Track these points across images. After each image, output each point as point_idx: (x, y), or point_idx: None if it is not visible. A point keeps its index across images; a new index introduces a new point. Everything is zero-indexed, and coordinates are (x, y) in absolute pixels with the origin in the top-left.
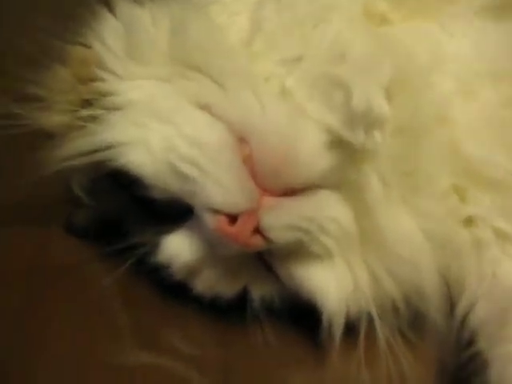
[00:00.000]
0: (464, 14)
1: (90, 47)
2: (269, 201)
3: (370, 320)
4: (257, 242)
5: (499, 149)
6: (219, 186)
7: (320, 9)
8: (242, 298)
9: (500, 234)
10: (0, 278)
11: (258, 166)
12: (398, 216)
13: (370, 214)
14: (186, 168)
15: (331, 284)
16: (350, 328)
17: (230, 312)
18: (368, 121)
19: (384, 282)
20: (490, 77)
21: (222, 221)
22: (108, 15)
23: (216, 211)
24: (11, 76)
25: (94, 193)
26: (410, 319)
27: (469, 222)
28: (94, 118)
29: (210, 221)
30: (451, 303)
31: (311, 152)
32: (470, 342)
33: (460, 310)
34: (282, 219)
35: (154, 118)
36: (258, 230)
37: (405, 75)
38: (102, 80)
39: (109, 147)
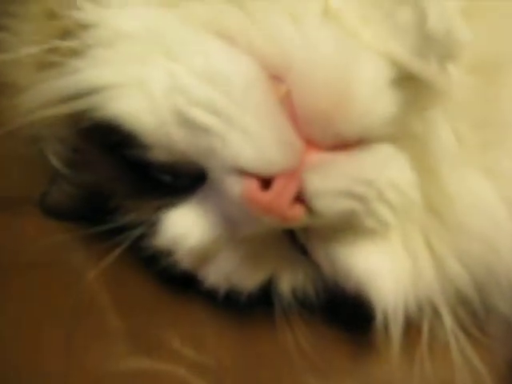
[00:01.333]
0: None
1: None
2: (314, 158)
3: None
4: (298, 213)
5: None
6: (248, 137)
7: None
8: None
9: None
10: None
11: (299, 111)
12: (473, 179)
13: (438, 176)
14: (200, 115)
15: (386, 269)
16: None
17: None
18: (444, 48)
19: (451, 265)
20: None
21: (253, 185)
22: None
23: (243, 172)
24: None
25: (74, 161)
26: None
27: None
28: (74, 52)
29: (235, 186)
30: None
31: (371, 91)
32: None
33: None
34: (331, 182)
35: (156, 51)
36: (298, 198)
37: None
38: (82, 9)
39: (94, 91)
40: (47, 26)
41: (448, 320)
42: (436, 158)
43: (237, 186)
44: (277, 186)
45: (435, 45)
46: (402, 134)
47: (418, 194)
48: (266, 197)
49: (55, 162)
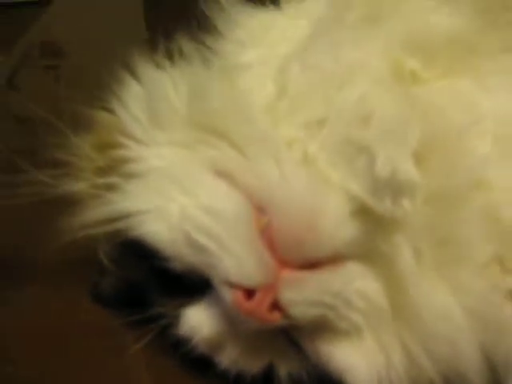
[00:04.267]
0: (504, 69)
1: (113, 113)
2: (288, 274)
3: None
4: (275, 318)
5: None
6: (234, 258)
7: (345, 70)
8: (269, 375)
9: None
10: (26, 336)
11: (276, 237)
12: (434, 290)
13: (402, 287)
14: (201, 238)
15: (361, 363)
16: None
17: None
18: (394, 188)
19: (420, 360)
20: None
21: (239, 295)
22: (131, 80)
23: (232, 285)
24: (40, 142)
25: (118, 261)
26: None
27: None
28: (110, 187)
29: (227, 295)
30: None
31: (335, 222)
32: None
33: None
34: (303, 294)
35: (173, 187)
36: (277, 305)
37: (436, 138)
38: (124, 146)
39: (127, 216)
40: (93, 162)
41: None
42: (401, 273)
43: (228, 295)
44: (257, 296)
45: (385, 185)
46: (369, 252)
47: (386, 302)
48: (248, 305)
49: (104, 260)
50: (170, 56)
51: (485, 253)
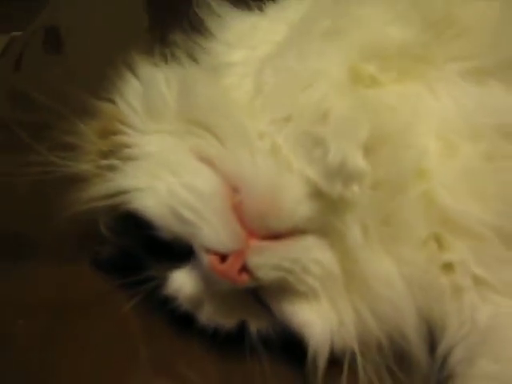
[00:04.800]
0: (448, 77)
1: (115, 104)
2: (255, 243)
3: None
4: (244, 279)
5: (474, 201)
6: (211, 228)
7: (309, 74)
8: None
9: (478, 280)
10: (24, 311)
11: (246, 212)
12: (379, 261)
13: (353, 258)
14: (184, 212)
15: (317, 321)
16: (337, 363)
17: (232, 343)
18: (344, 174)
19: (367, 320)
20: (470, 134)
21: (214, 259)
22: (130, 77)
23: (209, 250)
24: (51, 128)
25: (116, 231)
26: (397, 356)
27: (448, 268)
28: (111, 168)
29: (205, 259)
30: (434, 344)
31: (294, 201)
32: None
33: (440, 351)
34: (266, 259)
35: (162, 169)
36: (245, 269)
37: (385, 133)
38: (124, 133)
39: (124, 192)
40: (97, 146)
41: (361, 362)
42: (351, 246)
43: (205, 259)
44: (229, 260)
45: (336, 172)
46: (324, 228)
47: (338, 269)
48: (222, 267)
49: (104, 230)
50: (164, 56)
51: (423, 232)
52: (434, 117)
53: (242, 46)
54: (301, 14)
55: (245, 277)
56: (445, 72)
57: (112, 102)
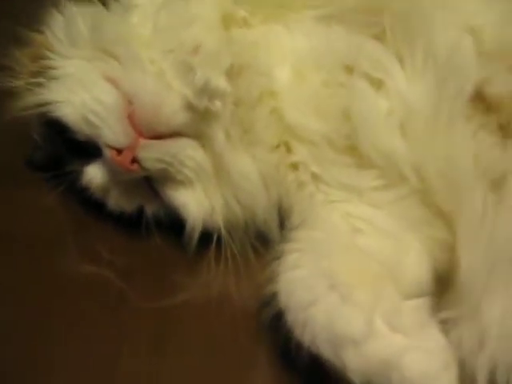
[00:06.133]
0: (303, 19)
1: (44, 35)
2: (143, 141)
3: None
4: (135, 168)
5: (314, 117)
6: (111, 130)
7: (189, 17)
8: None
9: (315, 177)
10: None
11: (137, 118)
12: (240, 160)
13: (220, 157)
14: (92, 118)
15: (193, 203)
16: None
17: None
18: (208, 92)
19: (233, 206)
20: (315, 66)
21: (113, 153)
22: (56, 13)
23: (109, 146)
24: None
25: (44, 137)
26: (259, 235)
27: (293, 167)
28: (39, 84)
29: (107, 153)
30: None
31: (171, 111)
32: None
33: (288, 228)
34: (152, 153)
35: (78, 86)
36: (136, 160)
37: (245, 63)
38: (50, 58)
39: (49, 104)
40: (28, 67)
41: (227, 240)
42: (218, 148)
43: (107, 153)
44: (124, 153)
45: (201, 91)
46: (197, 133)
47: (209, 165)
48: (119, 158)
49: (36, 136)
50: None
51: (274, 139)
52: (289, 51)
53: None
54: None
55: (135, 166)
56: (301, 15)
57: (41, 33)
